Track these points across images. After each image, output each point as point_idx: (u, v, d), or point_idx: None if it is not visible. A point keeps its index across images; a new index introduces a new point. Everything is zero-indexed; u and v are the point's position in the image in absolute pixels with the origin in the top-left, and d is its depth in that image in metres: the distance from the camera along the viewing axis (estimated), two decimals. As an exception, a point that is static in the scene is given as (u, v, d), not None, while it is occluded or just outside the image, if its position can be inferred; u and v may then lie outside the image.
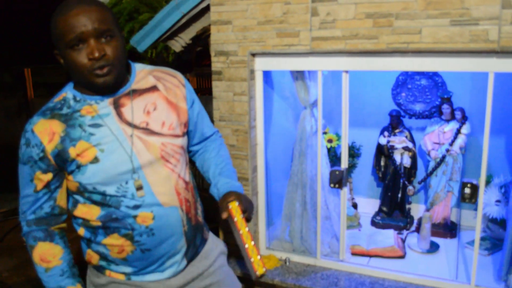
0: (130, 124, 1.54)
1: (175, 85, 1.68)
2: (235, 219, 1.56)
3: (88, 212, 1.56)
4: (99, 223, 1.54)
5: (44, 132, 1.48)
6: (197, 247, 1.75)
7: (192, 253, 1.71)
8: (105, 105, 1.53)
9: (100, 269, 1.66)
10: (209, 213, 1.96)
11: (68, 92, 1.56)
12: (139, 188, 1.52)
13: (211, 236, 1.88)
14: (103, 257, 1.62)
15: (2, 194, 5.58)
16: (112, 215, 1.52)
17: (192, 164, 1.86)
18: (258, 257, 1.51)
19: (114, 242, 1.55)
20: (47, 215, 1.57)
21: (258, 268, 1.49)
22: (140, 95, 1.59)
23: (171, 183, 1.59)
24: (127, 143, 1.52)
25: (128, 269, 1.62)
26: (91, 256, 1.65)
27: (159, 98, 1.62)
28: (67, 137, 1.48)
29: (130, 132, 1.53)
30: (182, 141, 1.66)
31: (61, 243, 1.60)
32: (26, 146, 1.50)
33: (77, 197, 1.56)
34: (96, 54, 1.41)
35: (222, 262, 1.88)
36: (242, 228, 1.54)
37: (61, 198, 1.57)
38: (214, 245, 1.86)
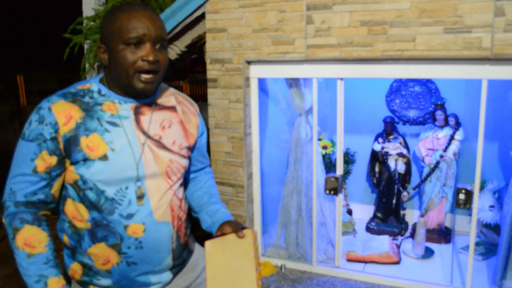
0: (145, 133, 1.55)
1: (192, 112, 1.74)
2: (255, 243, 1.57)
3: (75, 211, 1.54)
4: (89, 226, 1.53)
5: (62, 113, 1.46)
6: (183, 262, 1.75)
7: (177, 268, 1.71)
8: (126, 107, 1.54)
9: (83, 285, 1.63)
10: (196, 221, 1.94)
11: (93, 85, 1.56)
12: (141, 196, 1.52)
13: (197, 247, 1.87)
14: (87, 269, 1.59)
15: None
16: (103, 221, 1.51)
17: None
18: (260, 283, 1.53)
19: (100, 252, 1.53)
20: (38, 201, 1.50)
21: None
22: (160, 110, 1.62)
23: (167, 198, 1.60)
24: (138, 149, 1.52)
25: (111, 282, 1.59)
26: (75, 271, 1.62)
27: (175, 119, 1.65)
28: (82, 125, 1.46)
29: (143, 140, 1.54)
30: (187, 162, 1.68)
31: (47, 231, 1.53)
32: (39, 123, 1.45)
33: (69, 191, 1.55)
34: (151, 58, 1.44)
35: None
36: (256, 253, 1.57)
37: (57, 188, 1.52)
38: (201, 256, 1.85)
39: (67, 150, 1.47)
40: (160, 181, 1.57)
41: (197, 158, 1.82)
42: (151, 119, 1.58)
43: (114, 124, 1.51)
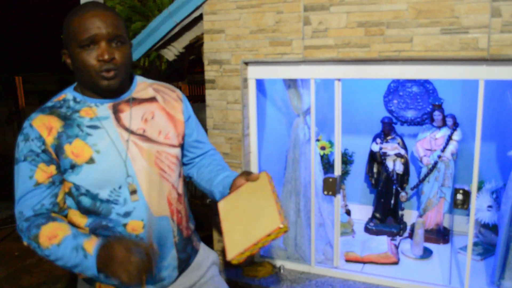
0: (127, 129, 1.55)
1: (173, 98, 1.72)
2: (271, 182, 1.52)
3: (73, 218, 1.55)
4: (87, 231, 1.53)
5: (43, 126, 1.48)
6: (188, 258, 1.75)
7: (183, 265, 1.71)
8: (104, 108, 1.55)
9: (90, 282, 1.64)
10: (202, 221, 1.94)
11: (68, 94, 1.57)
12: (133, 192, 1.52)
13: (202, 247, 1.88)
14: None
15: (-6, 203, 5.54)
16: (102, 222, 1.52)
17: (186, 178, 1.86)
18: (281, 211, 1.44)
19: None
20: (47, 211, 1.50)
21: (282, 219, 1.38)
22: (139, 104, 1.61)
23: (163, 192, 1.60)
24: (123, 147, 1.53)
25: (117, 280, 1.60)
26: None
27: (157, 109, 1.64)
28: (64, 134, 1.48)
29: (127, 137, 1.54)
30: (178, 151, 1.67)
31: (65, 222, 1.51)
32: (25, 141, 1.48)
33: (67, 199, 1.55)
34: (106, 57, 1.44)
35: (214, 272, 1.88)
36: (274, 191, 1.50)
37: (61, 196, 1.54)
38: (206, 255, 1.86)
39: (59, 159, 1.48)
40: (153, 174, 1.57)
41: (192, 144, 1.81)
42: (131, 114, 1.58)
43: (94, 127, 1.51)
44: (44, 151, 1.47)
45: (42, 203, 1.49)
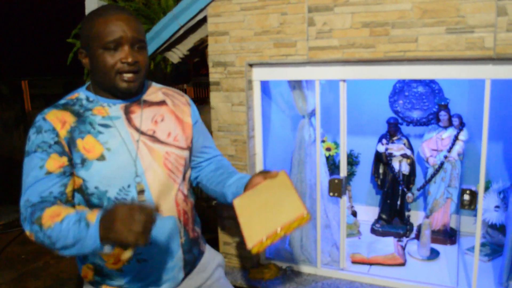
0: (138, 130, 1.59)
1: (182, 102, 1.77)
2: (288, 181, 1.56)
3: None
4: None
5: (56, 119, 1.51)
6: (195, 260, 1.75)
7: (189, 266, 1.72)
8: (116, 109, 1.59)
9: (95, 285, 1.65)
10: (208, 223, 1.95)
11: (81, 93, 1.61)
12: (141, 192, 1.54)
13: (208, 249, 1.89)
14: (98, 270, 1.61)
15: (1, 206, 5.57)
16: None
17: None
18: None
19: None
20: (54, 199, 1.46)
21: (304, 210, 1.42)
22: (150, 106, 1.66)
23: (171, 193, 1.61)
24: (133, 147, 1.55)
25: (123, 282, 1.61)
26: (87, 271, 1.65)
27: (166, 112, 1.69)
28: (76, 128, 1.51)
29: (137, 137, 1.57)
30: (186, 153, 1.70)
31: (72, 208, 1.46)
32: (37, 133, 1.49)
33: (76, 198, 1.56)
34: (130, 60, 1.48)
35: (220, 274, 1.89)
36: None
37: (70, 189, 1.52)
38: (212, 257, 1.87)
39: (71, 152, 1.49)
40: (161, 175, 1.59)
41: (199, 149, 1.85)
42: (142, 116, 1.62)
43: (106, 125, 1.55)
44: (57, 142, 1.49)
45: (51, 190, 1.46)
